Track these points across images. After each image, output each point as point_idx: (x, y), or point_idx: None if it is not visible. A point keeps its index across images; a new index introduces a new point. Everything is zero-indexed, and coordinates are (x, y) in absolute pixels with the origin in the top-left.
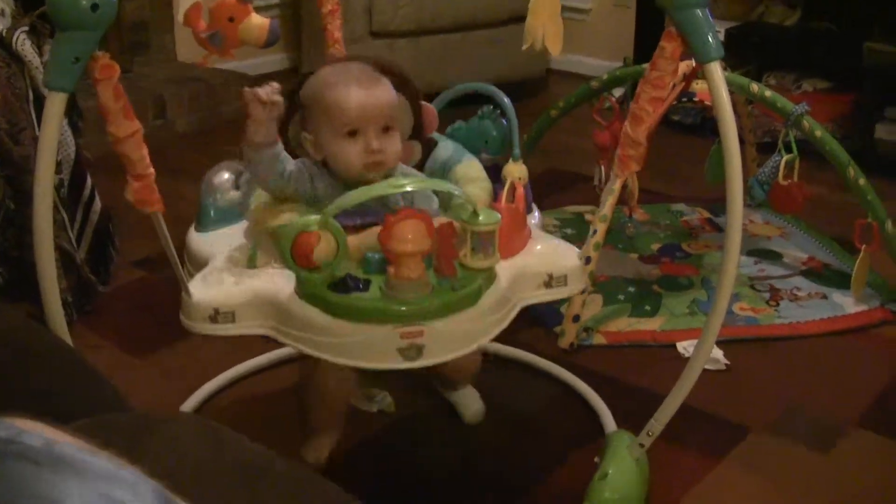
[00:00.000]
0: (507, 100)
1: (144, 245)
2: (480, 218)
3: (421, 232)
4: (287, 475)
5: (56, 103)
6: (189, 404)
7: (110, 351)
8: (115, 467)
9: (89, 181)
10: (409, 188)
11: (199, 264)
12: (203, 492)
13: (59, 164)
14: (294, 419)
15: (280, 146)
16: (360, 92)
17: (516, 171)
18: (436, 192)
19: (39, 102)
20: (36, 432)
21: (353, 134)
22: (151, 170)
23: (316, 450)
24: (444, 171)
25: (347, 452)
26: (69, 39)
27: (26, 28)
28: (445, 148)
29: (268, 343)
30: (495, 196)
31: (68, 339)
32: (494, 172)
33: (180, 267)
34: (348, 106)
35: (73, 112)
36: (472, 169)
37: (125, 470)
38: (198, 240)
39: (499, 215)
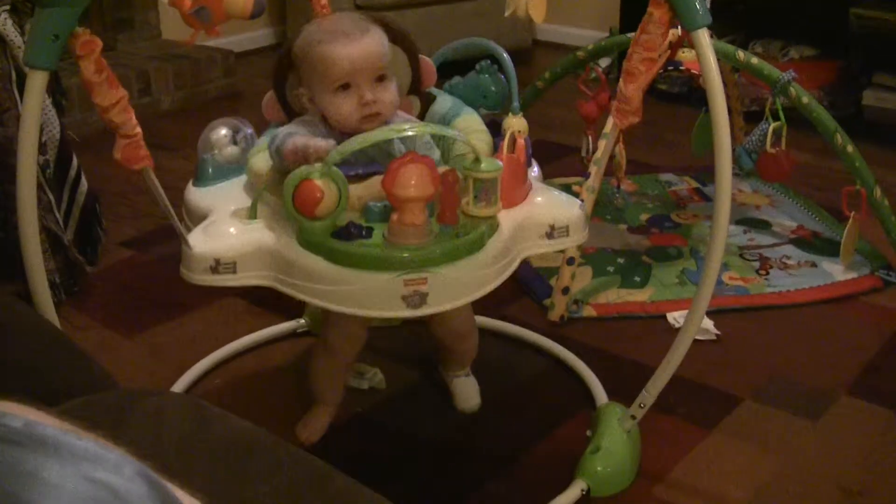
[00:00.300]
0: (505, 54)
1: (131, 225)
2: (483, 165)
3: (425, 177)
4: (273, 452)
5: (37, 81)
6: (179, 385)
7: (99, 331)
8: (99, 449)
9: (75, 161)
10: (410, 133)
11: (197, 219)
12: (188, 469)
13: (44, 145)
14: (286, 398)
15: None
16: (348, 45)
17: (516, 123)
18: (437, 145)
19: (22, 82)
20: (17, 414)
21: (346, 87)
22: (139, 129)
23: (310, 427)
24: (443, 125)
25: (338, 428)
26: (48, 16)
27: (7, 7)
28: (444, 102)
29: (257, 320)
30: (495, 149)
31: (55, 320)
32: (493, 128)
33: (177, 220)
34: (338, 60)
35: (56, 91)
36: (471, 121)
37: (110, 451)
38: (196, 194)
39: (500, 163)
